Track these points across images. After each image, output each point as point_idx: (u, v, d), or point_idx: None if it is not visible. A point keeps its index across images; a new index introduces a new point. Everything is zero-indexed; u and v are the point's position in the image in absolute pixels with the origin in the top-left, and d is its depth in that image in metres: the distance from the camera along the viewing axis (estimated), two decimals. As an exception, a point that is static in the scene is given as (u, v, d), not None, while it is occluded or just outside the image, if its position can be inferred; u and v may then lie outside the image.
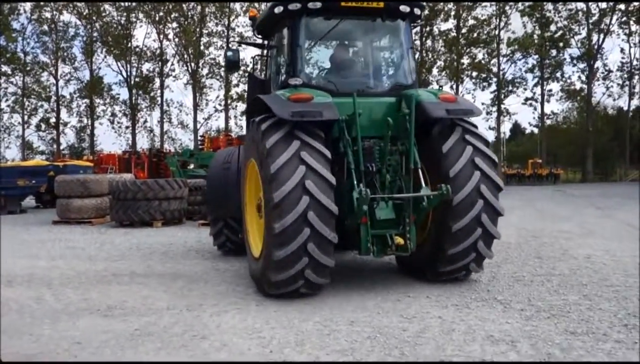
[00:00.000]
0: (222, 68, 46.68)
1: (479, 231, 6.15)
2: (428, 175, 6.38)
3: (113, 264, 8.47)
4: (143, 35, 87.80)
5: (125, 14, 47.17)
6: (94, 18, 47.26)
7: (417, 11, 6.96)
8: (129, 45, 48.05)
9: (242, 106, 47.13)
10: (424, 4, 7.57)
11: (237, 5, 46.52)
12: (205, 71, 48.28)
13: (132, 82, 48.45)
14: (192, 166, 21.27)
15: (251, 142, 6.26)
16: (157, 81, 49.23)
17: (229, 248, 8.90)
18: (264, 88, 7.60)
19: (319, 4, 6.54)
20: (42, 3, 46.70)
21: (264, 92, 7.23)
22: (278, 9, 6.68)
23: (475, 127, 6.49)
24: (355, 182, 5.86)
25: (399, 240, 5.93)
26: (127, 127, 50.21)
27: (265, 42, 7.88)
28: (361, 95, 6.31)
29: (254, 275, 6.39)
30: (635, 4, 38.82)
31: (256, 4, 40.04)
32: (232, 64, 7.71)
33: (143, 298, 6.14)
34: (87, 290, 6.64)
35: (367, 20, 7.01)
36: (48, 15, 47.80)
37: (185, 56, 47.35)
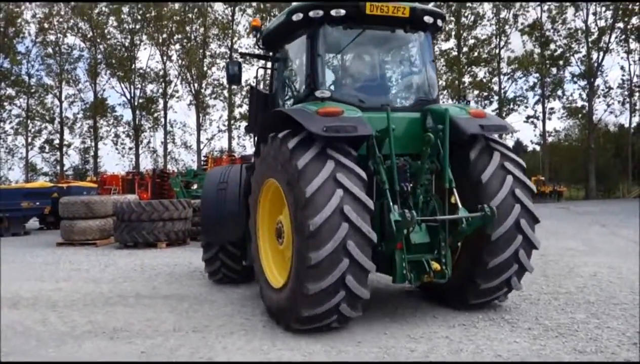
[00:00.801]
0: (225, 89, 47.06)
1: (515, 267, 5.85)
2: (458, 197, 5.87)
3: (118, 286, 8.46)
4: (147, 56, 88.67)
5: (129, 36, 47.66)
6: (98, 40, 47.74)
7: (439, 23, 6.65)
8: (133, 66, 48.46)
9: (244, 124, 47.36)
10: (446, 15, 7.44)
11: (241, 27, 47.01)
12: (208, 91, 48.62)
13: (136, 103, 48.76)
14: (195, 186, 21.29)
15: (272, 160, 5.69)
16: (161, 102, 49.56)
17: (224, 275, 8.16)
18: (268, 102, 7.22)
19: (342, 11, 6.07)
20: (46, 26, 47.23)
21: (267, 107, 7.03)
22: (297, 16, 6.20)
23: (512, 150, 6.15)
24: (391, 203, 5.40)
25: (436, 266, 5.51)
26: (130, 148, 50.43)
27: (271, 54, 7.40)
28: (381, 111, 5.89)
29: (275, 307, 5.77)
30: (634, 21, 39.11)
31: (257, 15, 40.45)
32: (234, 78, 7.31)
33: (149, 320, 6.12)
34: (93, 312, 6.62)
35: (390, 31, 6.61)
36: (52, 38, 48.33)
37: (189, 77, 47.71)
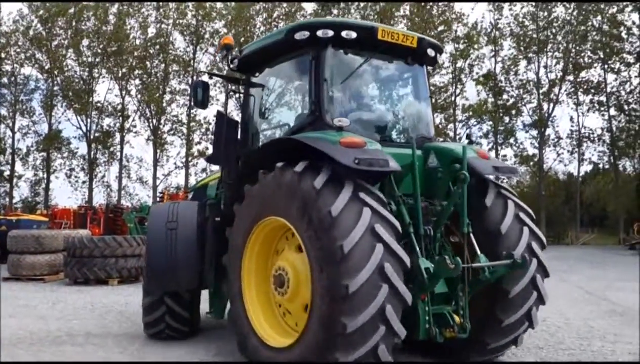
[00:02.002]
0: (184, 126, 46.83)
1: (525, 325, 5.50)
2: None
3: (67, 323, 8.19)
4: (105, 90, 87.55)
5: (87, 69, 47.18)
6: (56, 72, 47.07)
7: (438, 57, 6.35)
8: (90, 100, 47.83)
9: (202, 164, 47.09)
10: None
11: (202, 65, 47.18)
12: (167, 128, 48.27)
13: (92, 137, 47.95)
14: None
15: (278, 195, 5.02)
16: (118, 136, 48.88)
17: (167, 326, 6.82)
18: (242, 130, 6.58)
19: (354, 34, 5.62)
20: (2, 56, 46.36)
21: (236, 135, 6.50)
22: (301, 35, 5.65)
23: (517, 197, 5.81)
24: (417, 249, 4.91)
25: (457, 319, 5.04)
26: (84, 182, 49.27)
27: (245, 77, 6.69)
28: (389, 145, 5.54)
29: None
30: (583, 74, 41.01)
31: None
32: (201, 101, 6.54)
33: (99, 359, 5.95)
34: (40, 350, 6.40)
35: (394, 62, 6.27)
36: (9, 68, 47.39)
37: (147, 112, 47.35)
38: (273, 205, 5.08)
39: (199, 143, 47.56)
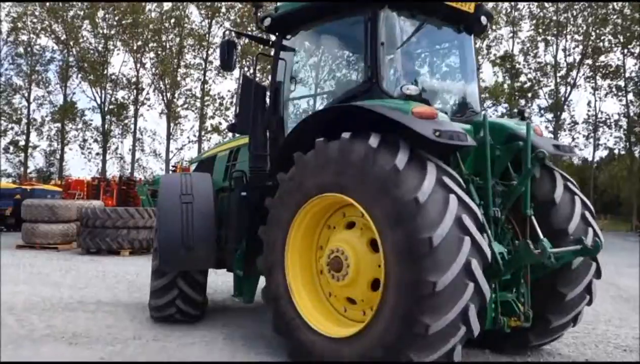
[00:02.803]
0: (198, 100, 46.86)
1: (587, 299, 5.20)
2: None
3: (79, 291, 8.36)
4: (120, 62, 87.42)
5: (103, 40, 47.21)
6: (71, 43, 47.16)
7: (488, 26, 5.93)
8: (105, 72, 47.94)
9: (215, 139, 47.22)
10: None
11: (217, 39, 46.99)
12: (180, 102, 48.34)
13: (106, 109, 48.18)
14: (162, 196, 21.11)
15: (336, 166, 4.48)
16: (132, 109, 49.06)
17: (178, 310, 6.24)
18: (265, 97, 6.06)
19: None
20: (19, 25, 46.50)
21: (264, 102, 5.99)
22: None
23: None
24: (489, 233, 4.47)
25: (521, 307, 4.71)
26: (97, 153, 49.64)
27: (279, 39, 6.03)
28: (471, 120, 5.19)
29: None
30: (602, 59, 40.41)
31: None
32: (227, 61, 6.04)
33: (109, 327, 6.09)
34: (52, 316, 6.55)
35: (447, 28, 5.73)
36: (25, 38, 47.55)
37: (162, 86, 47.41)
38: (337, 180, 4.51)
39: (212, 117, 47.63)
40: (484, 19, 5.72)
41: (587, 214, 5.20)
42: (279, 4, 6.01)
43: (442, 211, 3.99)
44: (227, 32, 6.74)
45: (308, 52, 6.32)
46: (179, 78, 47.28)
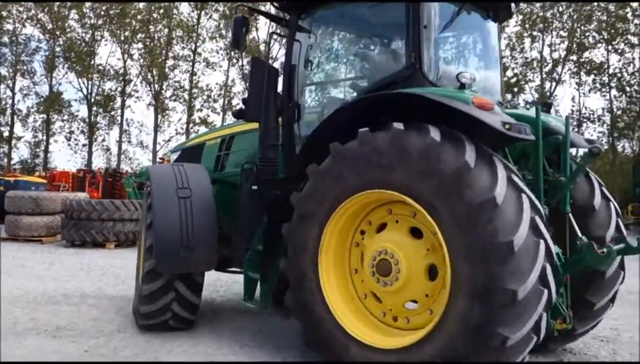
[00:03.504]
0: (186, 92, 46.61)
1: (610, 307, 5.10)
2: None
3: (63, 284, 8.34)
4: (107, 53, 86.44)
5: (90, 31, 46.76)
6: (58, 33, 46.66)
7: (512, 14, 5.71)
8: (92, 62, 47.52)
9: (203, 129, 47.02)
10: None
11: (204, 31, 46.75)
12: (168, 93, 48.05)
13: (93, 100, 47.78)
14: (149, 188, 21.04)
15: (405, 161, 3.98)
16: (119, 100, 48.71)
17: (173, 315, 5.58)
18: (277, 81, 5.54)
19: None
20: (4, 14, 45.90)
21: (277, 87, 5.50)
22: None
23: None
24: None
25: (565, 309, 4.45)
26: (84, 145, 49.23)
27: (292, 18, 5.53)
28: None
29: None
30: (587, 55, 40.70)
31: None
32: (239, 39, 5.55)
33: (93, 320, 6.09)
34: (35, 309, 6.53)
35: (479, 14, 5.35)
36: (10, 27, 46.97)
37: (149, 77, 47.09)
38: (388, 176, 4.07)
39: (201, 110, 47.46)
40: (513, 6, 5.50)
41: (620, 222, 5.09)
42: None
43: (519, 212, 3.69)
44: (240, 8, 6.01)
45: (329, 34, 5.93)
46: (167, 70, 47.01)
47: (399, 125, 4.08)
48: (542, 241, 3.71)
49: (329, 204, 4.39)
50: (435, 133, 3.91)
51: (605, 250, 4.07)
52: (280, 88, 5.52)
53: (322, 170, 4.43)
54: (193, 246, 5.33)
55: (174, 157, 7.84)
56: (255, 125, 5.63)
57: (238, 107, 6.17)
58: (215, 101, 46.52)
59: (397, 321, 4.33)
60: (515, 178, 3.90)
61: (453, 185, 3.74)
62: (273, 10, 5.87)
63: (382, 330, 4.33)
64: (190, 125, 47.64)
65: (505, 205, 3.64)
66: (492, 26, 5.56)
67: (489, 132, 3.97)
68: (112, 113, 49.11)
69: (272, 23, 6.15)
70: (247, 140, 6.12)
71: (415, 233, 4.26)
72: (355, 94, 5.26)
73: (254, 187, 5.53)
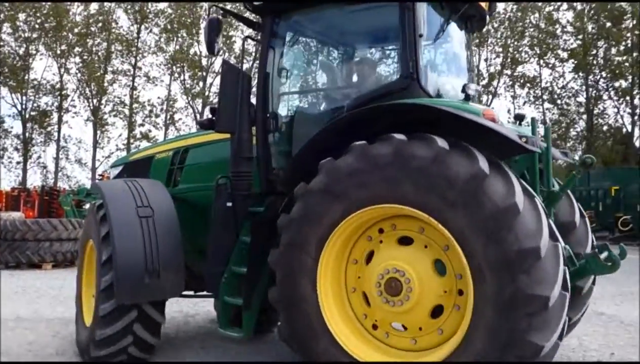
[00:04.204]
0: (126, 107, 45.71)
1: (579, 323, 5.16)
2: None
3: (-4, 308, 8.06)
4: (42, 67, 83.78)
5: (24, 44, 45.28)
6: (-11, 47, 44.97)
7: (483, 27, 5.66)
8: (27, 77, 45.98)
9: (145, 145, 46.20)
10: None
11: (145, 45, 46.07)
12: (108, 108, 47.01)
13: (27, 116, 46.16)
14: (88, 206, 20.53)
15: (413, 174, 3.75)
16: (55, 116, 47.25)
17: (129, 357, 5.03)
18: (250, 89, 5.20)
19: None
20: None
21: (249, 93, 5.17)
22: None
23: None
24: None
25: None
26: (18, 162, 47.47)
27: (267, 21, 5.20)
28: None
29: None
30: (520, 69, 42.38)
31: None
32: (213, 43, 5.11)
33: (29, 344, 5.93)
34: (-33, 335, 6.30)
35: (460, 24, 5.26)
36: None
37: (87, 92, 45.96)
38: (393, 189, 3.83)
39: (142, 125, 46.66)
40: (488, 19, 5.47)
41: (593, 238, 5.14)
42: None
43: (538, 217, 3.59)
44: (214, 9, 5.54)
45: (309, 40, 5.71)
46: (105, 85, 46.02)
47: (399, 136, 3.88)
48: (559, 245, 3.65)
49: (326, 225, 4.08)
50: (442, 143, 3.75)
51: (612, 259, 4.03)
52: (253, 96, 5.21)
53: (316, 189, 4.09)
54: (159, 271, 4.88)
55: (115, 172, 7.28)
56: (214, 136, 5.42)
57: (205, 117, 5.71)
58: (157, 116, 45.87)
59: (399, 341, 4.10)
60: (527, 186, 3.85)
61: (469, 194, 3.57)
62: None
63: (389, 353, 4.08)
64: (132, 140, 46.76)
65: (526, 211, 3.54)
66: (468, 37, 5.52)
67: (508, 144, 3.94)
68: (49, 129, 47.60)
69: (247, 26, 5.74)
70: (205, 152, 5.88)
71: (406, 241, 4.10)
72: (344, 105, 4.88)
73: (229, 204, 5.04)
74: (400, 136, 3.89)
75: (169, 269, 4.94)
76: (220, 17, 5.25)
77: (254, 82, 5.24)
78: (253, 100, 5.22)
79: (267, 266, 4.41)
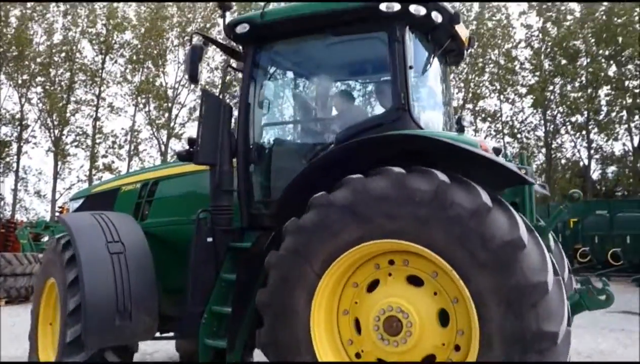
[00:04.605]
0: (89, 138, 45.05)
1: None
2: None
3: (-57, 348, 7.74)
4: (2, 97, 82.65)
5: (-17, 74, 44.49)
6: (-53, 75, 44.01)
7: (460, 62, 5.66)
8: (-15, 106, 45.05)
9: (108, 176, 45.52)
10: None
11: (109, 76, 45.74)
12: (70, 139, 46.26)
13: (-15, 146, 45.09)
14: (46, 239, 20.02)
15: (410, 208, 3.67)
16: (15, 146, 46.23)
17: None
18: (231, 119, 5.10)
19: (440, 18, 4.67)
20: None
21: (230, 124, 5.05)
22: (388, 6, 4.49)
23: None
24: None
25: None
26: (-26, 194, 46.17)
27: (251, 50, 5.13)
28: None
29: None
30: (481, 104, 43.45)
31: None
32: (195, 70, 4.92)
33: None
34: None
35: (441, 57, 5.28)
36: None
37: (49, 122, 45.20)
38: (392, 224, 3.72)
39: (105, 156, 46.01)
40: (465, 53, 5.54)
41: (570, 269, 5.14)
42: (266, 9, 5.03)
43: (542, 251, 3.54)
44: (196, 36, 5.35)
45: (291, 70, 5.64)
46: (68, 115, 45.38)
47: (398, 169, 3.80)
48: (559, 280, 3.58)
49: (321, 263, 3.93)
50: (442, 176, 3.68)
51: (606, 293, 4.01)
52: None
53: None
54: (131, 311, 4.58)
55: (75, 205, 6.95)
56: (186, 168, 5.31)
57: (181, 148, 5.54)
58: (120, 147, 45.30)
59: None
60: (524, 218, 3.80)
61: (473, 227, 3.51)
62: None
63: None
64: (94, 171, 45.99)
65: (530, 244, 3.49)
66: (443, 70, 5.51)
67: (511, 177, 3.95)
68: (7, 159, 46.49)
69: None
70: (177, 185, 5.74)
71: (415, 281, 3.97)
72: (331, 137, 4.83)
73: (209, 239, 4.83)
74: (398, 169, 3.79)
75: (141, 309, 4.67)
76: (202, 44, 5.15)
77: (235, 112, 5.14)
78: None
79: (253, 305, 4.24)
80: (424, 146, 4.10)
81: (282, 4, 5.25)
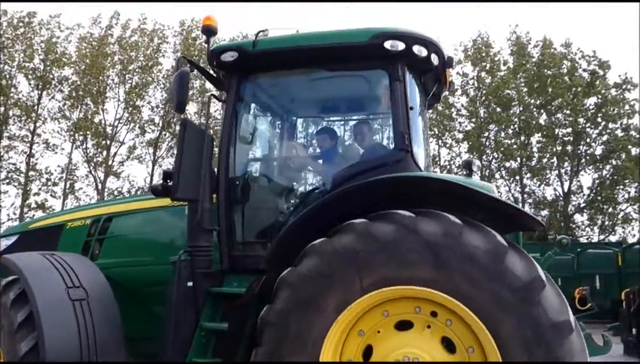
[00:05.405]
0: (22, 175, 43.47)
1: None
2: None
3: None
4: None
5: None
6: None
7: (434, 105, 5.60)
8: None
9: (40, 214, 43.83)
10: None
11: (46, 112, 44.58)
12: (2, 176, 44.52)
13: None
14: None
15: (425, 252, 3.59)
16: (-60, 182, 44.10)
17: None
18: (212, 152, 4.84)
19: (436, 60, 4.66)
20: None
21: (211, 157, 4.77)
22: (393, 45, 4.41)
23: None
24: None
25: None
26: None
27: (237, 80, 4.90)
28: None
29: None
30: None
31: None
32: (183, 98, 4.57)
33: None
34: None
35: (424, 98, 5.27)
36: None
37: (-21, 158, 43.43)
38: (403, 270, 3.58)
39: (38, 194, 44.41)
40: (442, 97, 5.47)
41: None
42: (261, 37, 4.84)
43: (557, 290, 3.53)
44: (181, 60, 4.94)
45: (284, 103, 5.43)
46: (1, 151, 43.76)
47: (407, 213, 3.67)
48: (574, 319, 3.53)
49: (327, 316, 3.70)
50: (454, 219, 3.60)
51: (604, 340, 4.10)
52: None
53: (310, 273, 3.70)
54: None
55: (6, 242, 6.29)
56: (146, 203, 5.06)
57: (157, 183, 5.08)
58: (55, 184, 43.84)
59: None
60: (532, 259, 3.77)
61: (491, 269, 3.46)
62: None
63: None
64: (25, 209, 44.22)
65: (548, 284, 3.48)
66: (423, 110, 5.46)
67: (528, 222, 3.99)
68: None
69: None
70: (135, 222, 5.37)
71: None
72: (326, 176, 4.69)
73: (190, 284, 4.39)
74: (406, 213, 3.68)
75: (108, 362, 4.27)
76: (189, 70, 4.82)
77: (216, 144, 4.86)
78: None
79: (241, 357, 3.99)
80: (442, 188, 4.01)
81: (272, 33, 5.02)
